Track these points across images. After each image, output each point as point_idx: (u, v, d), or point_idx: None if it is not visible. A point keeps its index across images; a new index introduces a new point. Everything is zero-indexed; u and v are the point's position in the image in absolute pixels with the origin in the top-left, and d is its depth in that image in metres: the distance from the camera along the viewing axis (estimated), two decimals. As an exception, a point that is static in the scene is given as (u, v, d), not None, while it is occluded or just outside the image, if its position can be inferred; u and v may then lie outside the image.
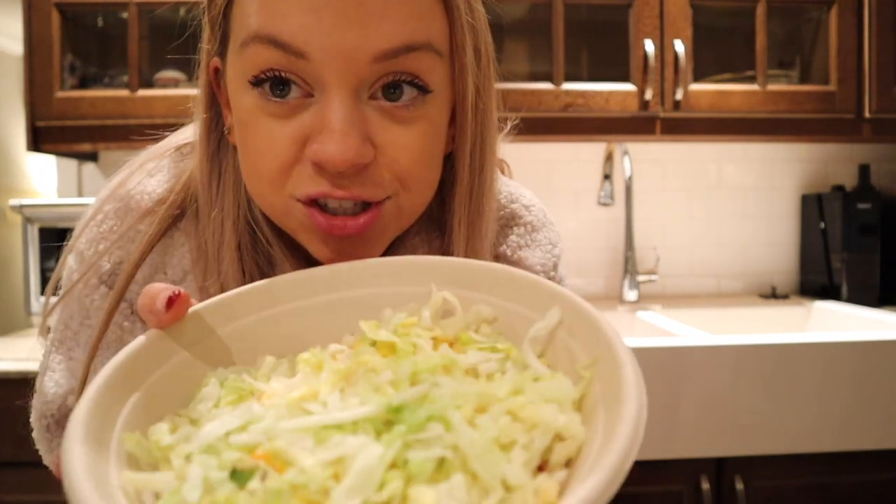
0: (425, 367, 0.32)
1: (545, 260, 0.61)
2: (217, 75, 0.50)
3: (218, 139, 0.51)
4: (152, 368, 0.35)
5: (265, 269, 0.51)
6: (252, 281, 0.47)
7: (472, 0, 0.47)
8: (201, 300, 0.41)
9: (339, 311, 0.41)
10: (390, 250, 0.52)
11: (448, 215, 0.52)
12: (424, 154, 0.45)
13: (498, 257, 0.60)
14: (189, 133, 0.57)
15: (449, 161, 0.52)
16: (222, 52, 0.47)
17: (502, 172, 0.65)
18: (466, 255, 0.52)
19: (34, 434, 0.55)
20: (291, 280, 0.41)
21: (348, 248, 0.45)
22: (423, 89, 0.44)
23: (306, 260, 0.50)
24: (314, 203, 0.44)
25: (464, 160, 0.50)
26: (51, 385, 0.54)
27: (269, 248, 0.50)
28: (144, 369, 0.34)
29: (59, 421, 0.54)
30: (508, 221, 0.61)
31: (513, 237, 0.60)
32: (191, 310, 0.38)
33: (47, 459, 0.55)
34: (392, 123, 0.43)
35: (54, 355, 0.55)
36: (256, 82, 0.43)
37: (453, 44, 0.45)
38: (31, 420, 0.56)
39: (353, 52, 0.41)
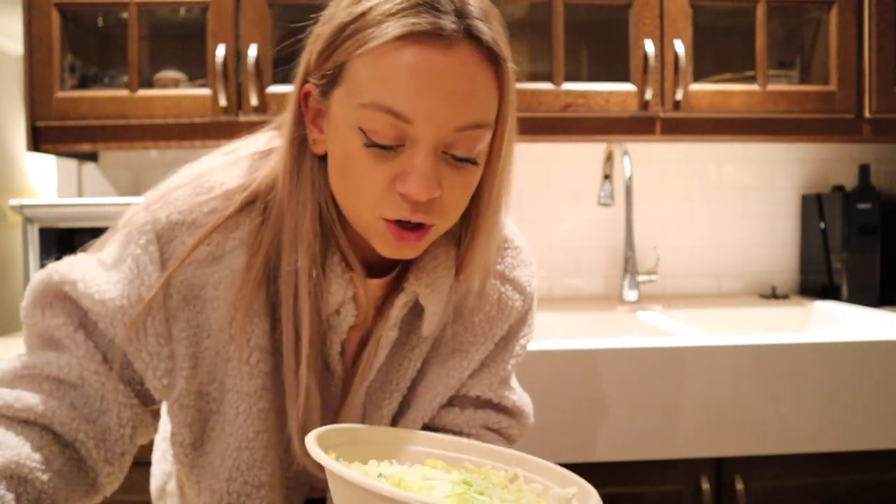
0: (491, 479, 0.62)
1: (529, 275, 0.80)
2: (307, 97, 0.65)
3: (299, 145, 0.66)
4: (336, 442, 0.62)
5: (320, 256, 0.67)
6: (315, 261, 0.67)
7: (514, 83, 0.64)
8: (265, 281, 0.68)
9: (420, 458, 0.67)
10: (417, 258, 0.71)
11: (468, 232, 0.70)
12: (467, 195, 0.66)
13: (498, 274, 0.77)
14: (261, 143, 0.72)
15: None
16: (326, 89, 0.63)
17: None
18: (476, 265, 0.72)
19: (27, 300, 0.72)
20: (398, 432, 0.70)
21: (402, 250, 0.64)
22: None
23: (363, 254, 0.69)
24: (394, 221, 0.62)
25: (490, 194, 0.68)
26: (74, 269, 0.69)
27: (335, 239, 0.67)
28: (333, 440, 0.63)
29: (47, 290, 0.70)
30: (501, 244, 0.78)
31: (508, 259, 0.79)
32: (346, 426, 0.66)
33: (26, 326, 0.73)
34: (452, 170, 0.62)
35: (88, 255, 0.72)
36: (371, 144, 0.60)
37: (500, 116, 0.64)
38: (30, 284, 0.71)
39: (442, 123, 0.59)
